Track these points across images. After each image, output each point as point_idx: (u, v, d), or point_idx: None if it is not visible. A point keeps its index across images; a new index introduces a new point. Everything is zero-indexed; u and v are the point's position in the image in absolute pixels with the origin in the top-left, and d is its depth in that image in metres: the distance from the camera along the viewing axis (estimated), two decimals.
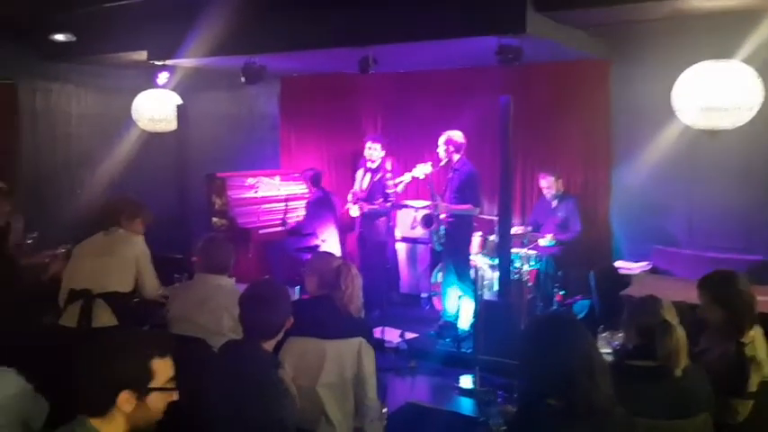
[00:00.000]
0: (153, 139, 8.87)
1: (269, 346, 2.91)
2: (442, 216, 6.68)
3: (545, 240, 6.79)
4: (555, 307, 6.62)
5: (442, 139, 6.62)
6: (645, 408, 2.75)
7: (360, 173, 7.63)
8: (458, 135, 6.62)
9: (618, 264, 6.62)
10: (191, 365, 2.36)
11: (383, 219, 7.40)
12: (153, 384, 2.11)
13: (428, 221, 6.75)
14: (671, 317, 2.92)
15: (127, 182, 8.76)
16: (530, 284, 6.65)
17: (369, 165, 7.49)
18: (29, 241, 6.25)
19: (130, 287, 4.39)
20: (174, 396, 2.17)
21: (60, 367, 2.35)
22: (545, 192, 7.07)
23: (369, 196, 7.42)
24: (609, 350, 3.76)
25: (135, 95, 8.27)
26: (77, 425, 2.05)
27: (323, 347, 3.42)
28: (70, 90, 8.92)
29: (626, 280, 6.07)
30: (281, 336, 3.00)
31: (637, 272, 6.38)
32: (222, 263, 4.11)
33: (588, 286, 6.47)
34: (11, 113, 8.27)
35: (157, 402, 2.13)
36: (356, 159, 7.96)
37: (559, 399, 2.31)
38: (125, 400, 2.06)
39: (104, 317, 4.14)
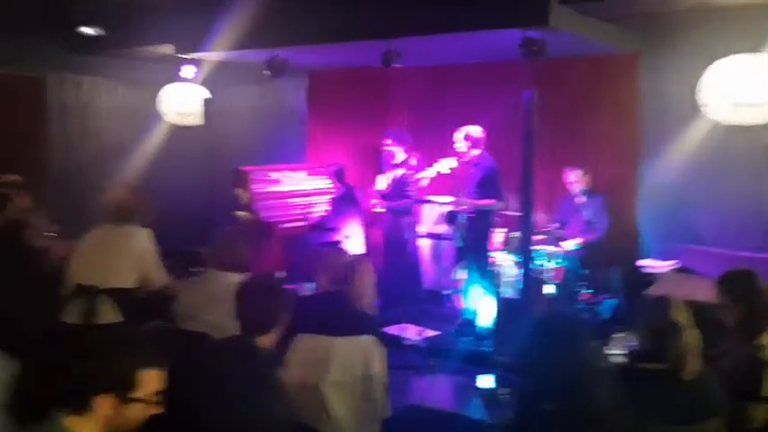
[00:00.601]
0: (181, 133, 8.91)
1: (266, 340, 2.86)
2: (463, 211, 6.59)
3: (569, 244, 6.67)
4: (580, 306, 6.49)
5: (459, 135, 6.52)
6: (655, 412, 2.67)
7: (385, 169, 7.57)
8: (475, 130, 6.51)
9: (644, 262, 6.47)
10: (192, 359, 2.35)
11: (407, 215, 7.33)
12: (135, 394, 2.04)
13: (452, 218, 6.66)
14: (682, 318, 2.81)
15: (155, 175, 8.80)
16: (555, 282, 6.53)
17: (394, 161, 7.42)
18: (52, 234, 6.25)
19: (135, 282, 4.37)
20: (158, 410, 2.10)
21: (53, 362, 2.33)
22: (572, 187, 6.94)
23: (391, 193, 7.34)
24: (622, 352, 3.66)
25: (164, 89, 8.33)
26: (49, 423, 2.01)
27: (331, 345, 3.39)
28: (99, 83, 8.98)
29: (651, 279, 5.93)
30: (279, 331, 2.95)
31: (663, 271, 6.23)
32: (235, 260, 4.03)
33: (614, 285, 6.34)
34: (39, 107, 8.36)
35: (136, 413, 2.07)
36: (382, 154, 7.90)
37: (557, 403, 2.24)
38: (102, 403, 2.01)
39: (109, 313, 4.13)
